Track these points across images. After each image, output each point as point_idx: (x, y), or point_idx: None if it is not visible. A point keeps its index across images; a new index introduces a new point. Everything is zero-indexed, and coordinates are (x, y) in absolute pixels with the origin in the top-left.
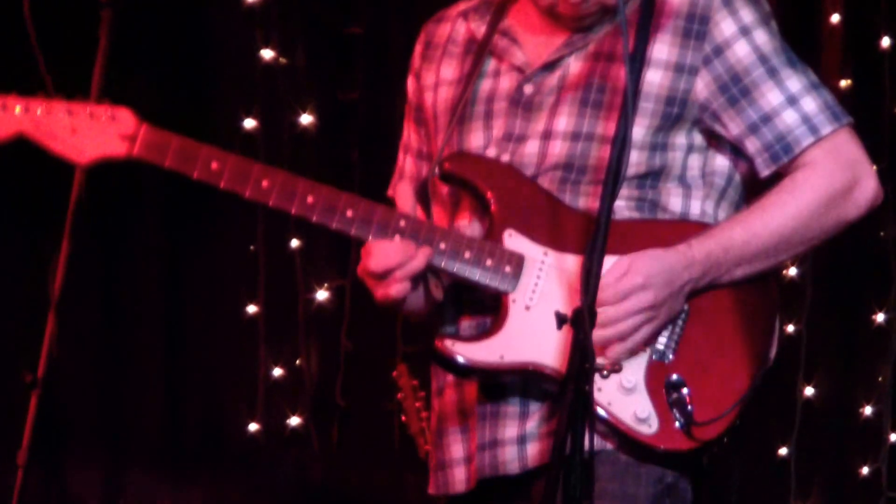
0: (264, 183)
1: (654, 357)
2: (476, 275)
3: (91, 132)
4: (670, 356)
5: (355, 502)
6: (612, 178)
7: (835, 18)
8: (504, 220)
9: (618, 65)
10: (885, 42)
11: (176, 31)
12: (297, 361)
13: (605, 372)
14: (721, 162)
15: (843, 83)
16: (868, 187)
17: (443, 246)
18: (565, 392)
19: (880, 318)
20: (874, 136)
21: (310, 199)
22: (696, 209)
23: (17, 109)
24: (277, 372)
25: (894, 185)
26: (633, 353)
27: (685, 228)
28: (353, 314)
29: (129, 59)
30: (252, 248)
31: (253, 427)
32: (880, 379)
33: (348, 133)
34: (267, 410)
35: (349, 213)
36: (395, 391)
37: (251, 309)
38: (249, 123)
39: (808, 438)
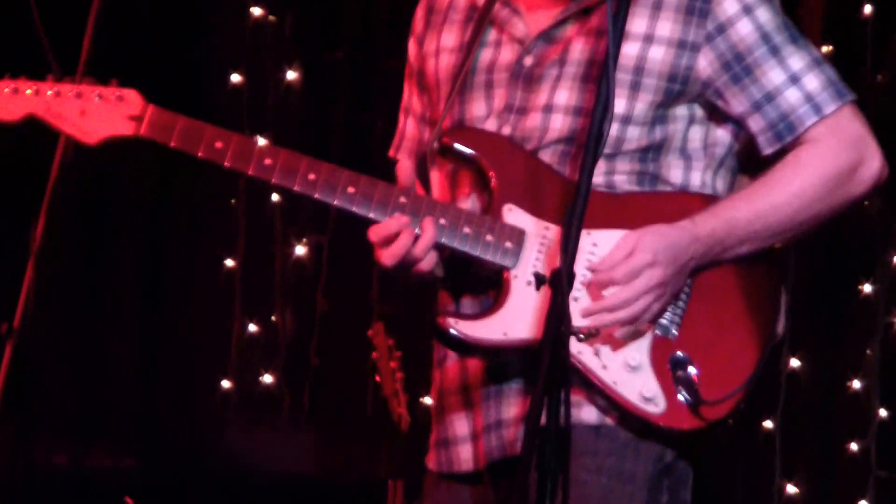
0: (266, 161)
1: (658, 333)
2: (476, 250)
3: (99, 113)
4: (674, 332)
5: (327, 465)
6: (594, 142)
7: None
8: (504, 194)
9: None
10: (867, 9)
11: None
12: (273, 318)
13: (581, 335)
14: (722, 132)
15: (824, 49)
16: (873, 165)
17: (442, 221)
18: (541, 357)
19: (867, 289)
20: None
21: (311, 177)
22: (696, 180)
23: (28, 92)
24: (252, 328)
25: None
26: (640, 332)
27: (686, 200)
28: (330, 271)
29: (120, 12)
30: (233, 201)
31: (225, 384)
32: (868, 352)
33: (332, 91)
34: (240, 367)
35: (350, 190)
36: (371, 350)
37: (229, 263)
38: (235, 78)
39: (793, 412)
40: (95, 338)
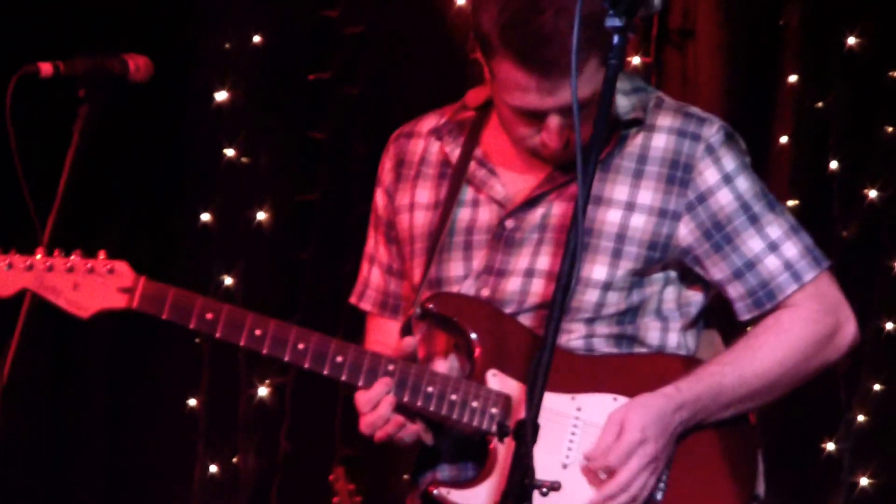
0: (257, 332)
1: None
2: (464, 417)
3: (92, 286)
4: (659, 497)
5: None
6: (561, 294)
7: (792, 79)
8: (488, 360)
9: (602, 208)
10: (833, 164)
11: (147, 124)
12: (235, 459)
13: (544, 489)
14: (694, 292)
15: (790, 203)
16: (849, 332)
17: (430, 389)
18: None
19: (830, 447)
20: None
21: (301, 346)
22: (672, 341)
23: (23, 267)
24: (213, 469)
25: None
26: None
27: (664, 361)
28: (293, 413)
29: (100, 151)
30: (197, 339)
31: None
32: None
33: (302, 232)
34: None
35: (339, 359)
36: (332, 495)
37: (192, 402)
38: (206, 217)
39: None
40: (59, 474)
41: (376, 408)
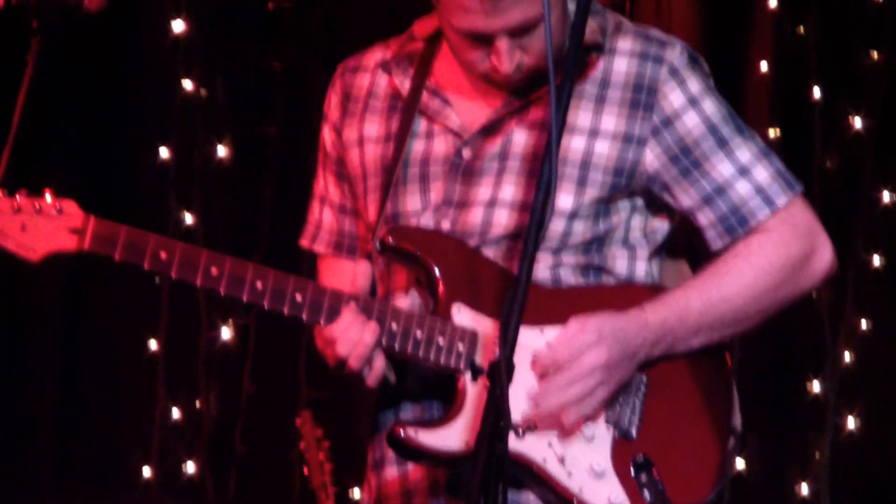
0: (213, 270)
1: (617, 435)
2: (430, 354)
3: (40, 228)
4: (634, 433)
5: None
6: (535, 230)
7: (763, 66)
8: (452, 294)
9: (566, 135)
10: (816, 93)
11: (99, 57)
12: (197, 403)
13: (520, 431)
14: (660, 220)
15: (772, 133)
16: (824, 258)
17: (394, 326)
18: (478, 452)
19: (816, 387)
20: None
21: (259, 285)
22: (640, 271)
23: None
24: (175, 413)
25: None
26: (587, 418)
27: (633, 291)
28: (256, 355)
29: (52, 85)
30: (156, 279)
31: (147, 472)
32: (817, 455)
33: (263, 168)
34: (162, 454)
35: (298, 298)
36: (298, 439)
37: (152, 344)
38: (164, 153)
39: None
40: (13, 417)
41: (345, 331)
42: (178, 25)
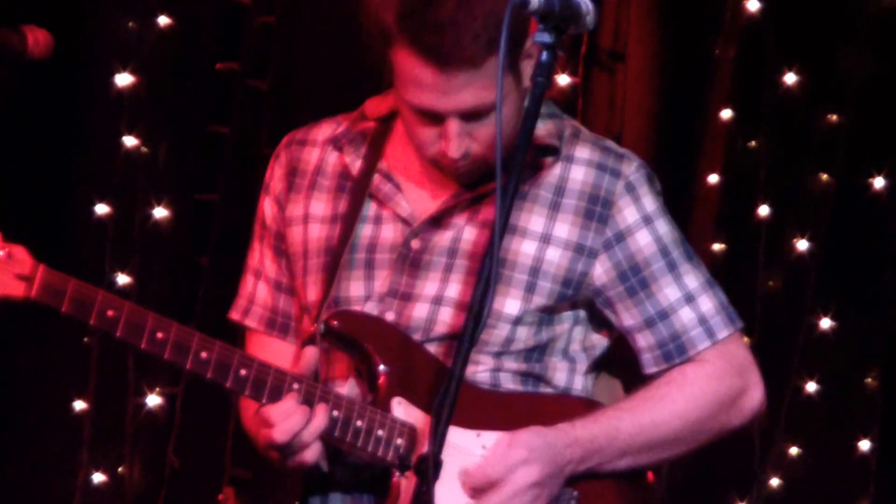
0: (159, 335)
1: None
2: (369, 446)
3: None
4: None
5: None
6: (472, 326)
7: (725, 114)
8: (394, 387)
9: (517, 238)
10: (763, 211)
11: (43, 104)
12: (120, 469)
13: None
14: (599, 336)
15: (716, 247)
16: (754, 397)
17: (335, 413)
18: None
19: None
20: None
21: (203, 355)
22: (578, 384)
23: None
24: (98, 477)
25: None
26: None
27: (568, 404)
28: (182, 427)
29: None
30: (86, 339)
31: None
32: None
33: (202, 234)
34: None
35: (243, 373)
36: None
37: (78, 405)
38: (102, 209)
39: None
40: None
41: (286, 416)
42: (123, 79)
